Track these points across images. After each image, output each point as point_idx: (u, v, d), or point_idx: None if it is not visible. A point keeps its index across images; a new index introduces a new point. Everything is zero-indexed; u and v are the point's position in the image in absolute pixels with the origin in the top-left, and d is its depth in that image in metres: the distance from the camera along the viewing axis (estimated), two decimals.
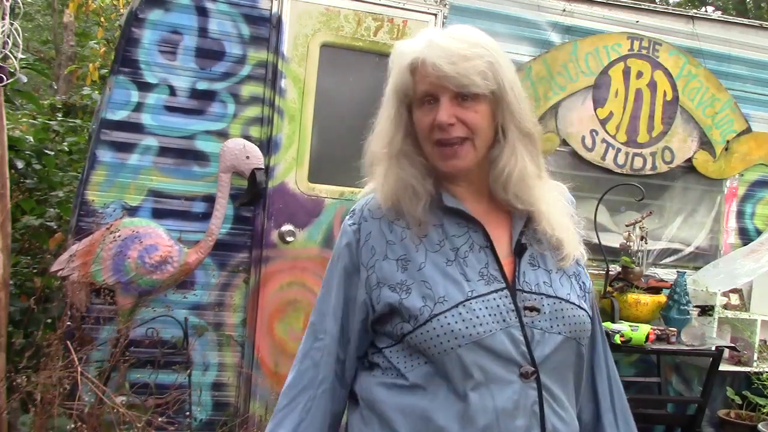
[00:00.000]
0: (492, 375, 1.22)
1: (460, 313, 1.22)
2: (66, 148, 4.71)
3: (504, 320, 1.23)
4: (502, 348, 1.22)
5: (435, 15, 3.61)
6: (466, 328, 1.21)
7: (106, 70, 5.33)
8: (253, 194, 3.32)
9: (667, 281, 3.81)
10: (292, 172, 3.44)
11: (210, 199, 3.30)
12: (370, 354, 1.34)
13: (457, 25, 1.32)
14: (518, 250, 1.31)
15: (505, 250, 1.31)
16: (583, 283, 1.38)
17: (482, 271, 1.27)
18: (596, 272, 3.75)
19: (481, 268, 1.27)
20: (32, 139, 4.33)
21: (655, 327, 3.45)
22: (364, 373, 1.35)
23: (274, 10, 3.41)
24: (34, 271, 3.88)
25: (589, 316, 1.33)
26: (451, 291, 1.24)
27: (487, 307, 1.23)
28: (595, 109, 3.90)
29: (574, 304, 1.30)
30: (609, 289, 3.66)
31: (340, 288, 1.35)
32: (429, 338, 1.22)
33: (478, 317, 1.22)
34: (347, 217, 1.39)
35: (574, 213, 1.40)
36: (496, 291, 1.25)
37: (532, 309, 1.25)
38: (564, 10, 3.84)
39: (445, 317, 1.22)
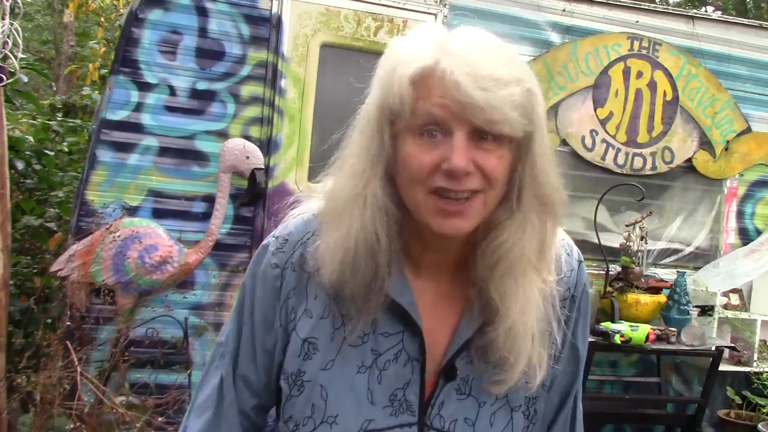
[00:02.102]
0: None
1: None
2: (66, 148, 4.71)
3: None
4: None
5: (435, 15, 3.61)
6: None
7: (106, 70, 5.32)
8: (253, 194, 3.32)
9: (667, 281, 3.81)
10: (292, 172, 3.44)
11: (210, 199, 3.30)
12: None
13: (471, 27, 0.94)
14: (446, 372, 0.99)
15: (437, 361, 0.99)
16: (536, 410, 1.05)
17: (396, 394, 0.98)
18: (596, 272, 3.75)
19: (396, 388, 0.98)
20: (32, 139, 4.33)
21: (655, 327, 3.45)
22: None
23: (274, 10, 3.41)
24: (34, 271, 3.87)
25: None
26: (346, 413, 0.97)
27: None
28: (595, 109, 3.90)
29: None
30: (609, 289, 3.66)
31: (242, 333, 1.07)
32: None
33: None
34: (272, 248, 1.04)
35: (555, 318, 1.02)
36: (401, 426, 0.97)
37: None
38: (564, 10, 3.84)
39: None
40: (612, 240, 3.84)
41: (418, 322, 0.98)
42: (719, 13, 12.57)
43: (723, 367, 3.62)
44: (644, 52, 3.96)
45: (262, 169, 3.30)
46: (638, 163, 3.99)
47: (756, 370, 3.74)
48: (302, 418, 0.98)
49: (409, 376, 0.98)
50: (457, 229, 0.92)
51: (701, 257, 4.14)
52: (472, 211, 0.92)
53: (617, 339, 3.27)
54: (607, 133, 3.92)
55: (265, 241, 1.06)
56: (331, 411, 0.97)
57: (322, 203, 1.00)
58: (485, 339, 0.97)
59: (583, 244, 3.84)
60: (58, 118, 5.14)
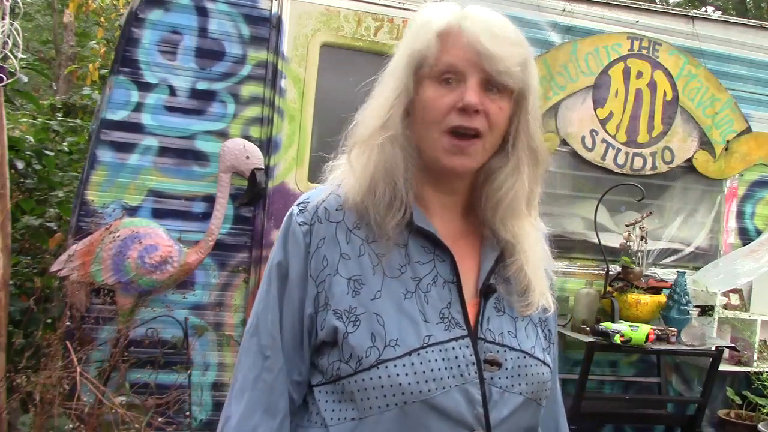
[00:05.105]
0: None
1: (413, 364, 1.03)
2: (66, 148, 4.71)
3: (461, 375, 1.05)
4: (454, 408, 1.04)
5: None
6: (417, 383, 1.02)
7: (106, 70, 5.33)
8: (253, 194, 3.32)
9: (667, 281, 3.81)
10: (292, 172, 3.44)
11: (210, 199, 3.30)
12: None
13: (487, 8, 1.14)
14: (485, 291, 1.13)
15: (471, 287, 1.13)
16: (549, 331, 1.22)
17: (443, 312, 1.08)
18: (596, 272, 3.75)
19: (442, 307, 1.09)
20: (32, 139, 4.33)
21: (655, 327, 3.45)
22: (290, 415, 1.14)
23: (274, 10, 3.41)
24: (34, 271, 3.87)
25: (551, 370, 1.18)
26: (406, 333, 1.05)
27: (444, 359, 1.05)
28: (595, 109, 3.90)
29: (538, 359, 1.13)
30: (609, 289, 3.66)
31: (281, 298, 1.12)
32: (370, 388, 1.03)
33: (432, 370, 1.03)
34: (296, 210, 1.15)
35: (550, 257, 1.24)
36: (456, 339, 1.07)
37: (493, 363, 1.08)
38: (564, 10, 3.84)
39: (395, 366, 1.03)
40: (612, 240, 3.84)
41: (444, 242, 1.11)
42: (719, 13, 12.58)
43: (723, 367, 3.62)
44: (644, 52, 3.96)
45: (262, 169, 3.30)
46: (638, 163, 3.99)
47: (756, 370, 3.74)
48: (364, 350, 1.04)
49: (449, 297, 1.10)
50: (463, 165, 1.09)
51: (701, 257, 4.14)
52: (474, 151, 1.08)
53: (617, 339, 3.27)
54: (607, 133, 3.92)
55: (287, 213, 1.16)
56: (392, 335, 1.05)
57: (352, 135, 1.14)
58: (508, 270, 1.15)
59: (583, 244, 3.85)
60: (58, 118, 5.14)
